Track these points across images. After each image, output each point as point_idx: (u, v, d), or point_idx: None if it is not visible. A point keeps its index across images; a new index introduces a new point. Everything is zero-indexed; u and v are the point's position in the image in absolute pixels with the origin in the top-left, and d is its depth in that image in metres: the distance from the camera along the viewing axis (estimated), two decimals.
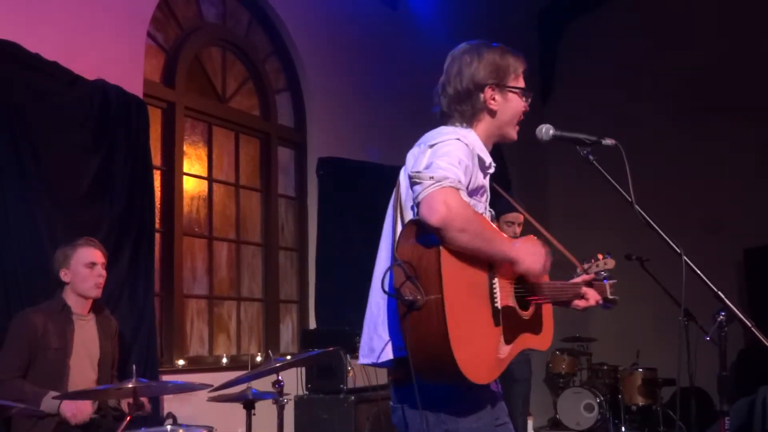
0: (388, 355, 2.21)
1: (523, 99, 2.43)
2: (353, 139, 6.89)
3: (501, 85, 2.38)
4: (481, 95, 2.36)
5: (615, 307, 2.77)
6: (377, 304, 2.29)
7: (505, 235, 2.30)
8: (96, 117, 4.65)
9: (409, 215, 2.22)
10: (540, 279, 2.37)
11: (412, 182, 2.11)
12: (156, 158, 5.27)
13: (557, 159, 9.53)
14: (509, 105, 2.40)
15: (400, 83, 7.29)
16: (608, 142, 2.54)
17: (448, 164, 2.10)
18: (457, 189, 2.07)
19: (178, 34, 5.69)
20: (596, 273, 2.73)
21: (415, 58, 7.18)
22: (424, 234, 2.07)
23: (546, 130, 2.53)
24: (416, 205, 2.08)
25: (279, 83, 6.60)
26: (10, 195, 4.13)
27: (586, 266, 2.73)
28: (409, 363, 2.05)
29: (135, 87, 4.98)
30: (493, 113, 2.39)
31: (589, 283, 2.68)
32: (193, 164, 5.77)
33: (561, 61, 10.27)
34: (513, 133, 2.46)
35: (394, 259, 2.11)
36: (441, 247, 2.03)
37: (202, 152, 5.87)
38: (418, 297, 2.01)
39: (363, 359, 2.31)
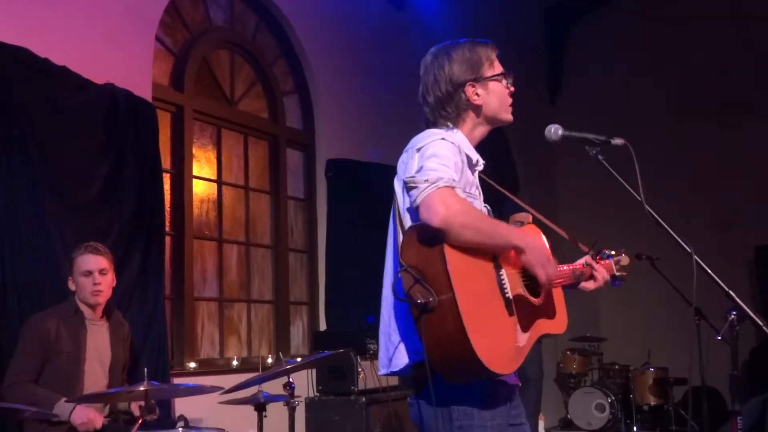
0: (404, 360, 2.22)
1: (504, 82, 2.42)
2: (362, 140, 6.88)
3: (479, 78, 2.37)
4: (463, 94, 2.37)
5: (623, 283, 2.70)
6: (388, 314, 2.29)
7: (504, 223, 2.30)
8: (105, 121, 4.67)
9: (408, 222, 2.22)
10: (542, 270, 2.22)
11: (408, 187, 2.14)
12: (165, 162, 5.27)
13: (567, 158, 9.51)
14: (493, 94, 2.39)
15: (408, 84, 7.22)
16: (617, 141, 2.53)
17: (438, 164, 2.13)
18: (453, 187, 2.09)
19: (187, 37, 5.70)
20: (600, 252, 2.66)
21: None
22: (425, 237, 2.07)
23: (555, 131, 2.52)
24: (415, 209, 2.11)
25: (287, 85, 6.60)
26: (20, 200, 4.14)
27: (593, 252, 2.65)
28: (425, 365, 2.05)
29: (144, 91, 4.99)
30: (478, 108, 2.39)
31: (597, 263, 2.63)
32: (203, 167, 5.78)
33: (569, 60, 10.24)
34: (507, 116, 2.45)
35: (399, 265, 2.11)
36: (444, 246, 2.04)
37: (212, 155, 5.89)
38: (430, 299, 2.02)
39: (382, 370, 2.32)
